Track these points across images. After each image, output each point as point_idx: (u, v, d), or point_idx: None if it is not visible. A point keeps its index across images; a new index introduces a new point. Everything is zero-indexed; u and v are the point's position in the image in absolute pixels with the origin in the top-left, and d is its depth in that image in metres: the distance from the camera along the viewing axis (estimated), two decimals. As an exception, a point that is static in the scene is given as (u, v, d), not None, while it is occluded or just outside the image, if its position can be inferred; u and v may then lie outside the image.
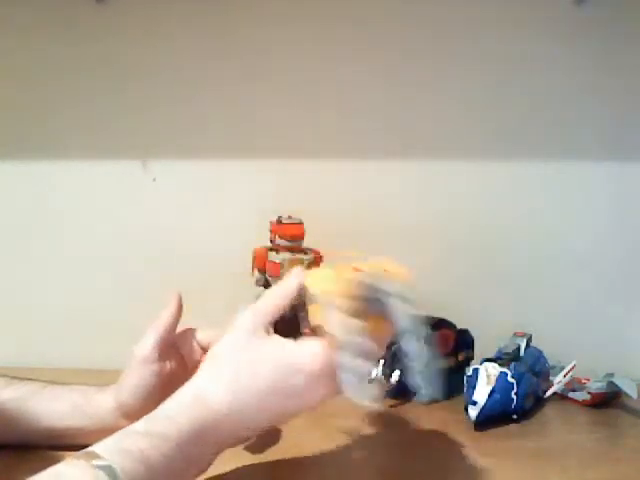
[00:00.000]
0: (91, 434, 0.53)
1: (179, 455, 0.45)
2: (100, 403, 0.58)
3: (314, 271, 0.54)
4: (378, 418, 0.73)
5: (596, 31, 0.87)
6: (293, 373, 0.48)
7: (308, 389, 0.49)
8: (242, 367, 0.49)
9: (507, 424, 0.69)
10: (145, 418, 0.47)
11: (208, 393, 0.48)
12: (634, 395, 0.72)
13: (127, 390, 0.57)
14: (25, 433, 0.58)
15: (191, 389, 0.49)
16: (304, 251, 0.76)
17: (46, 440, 0.57)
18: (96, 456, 0.41)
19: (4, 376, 0.60)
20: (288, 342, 0.50)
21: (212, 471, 0.50)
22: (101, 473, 0.40)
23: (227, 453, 0.50)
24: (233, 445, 0.51)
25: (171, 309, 0.59)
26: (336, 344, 0.48)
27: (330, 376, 0.48)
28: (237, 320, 0.51)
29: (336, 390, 0.48)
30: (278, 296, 0.52)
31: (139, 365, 0.57)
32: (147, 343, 0.57)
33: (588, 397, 0.75)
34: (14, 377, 0.61)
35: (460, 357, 0.79)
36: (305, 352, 0.49)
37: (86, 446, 0.44)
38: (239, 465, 0.57)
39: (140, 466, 0.42)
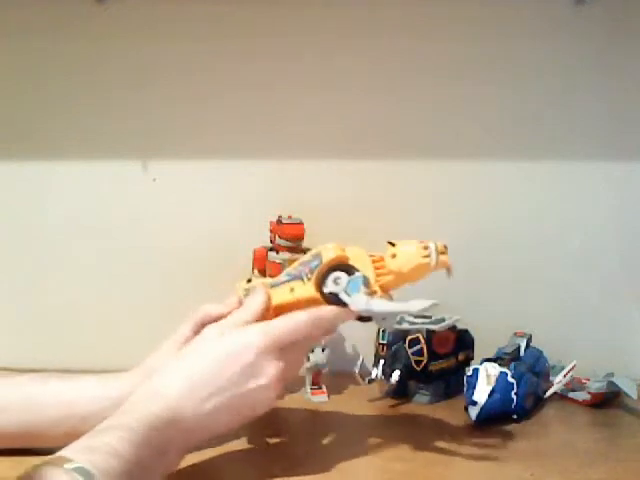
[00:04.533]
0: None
1: (145, 442, 0.46)
2: (120, 385, 0.59)
3: None
4: (378, 418, 0.73)
5: (596, 31, 0.87)
6: (234, 358, 0.53)
7: (252, 372, 0.52)
8: (190, 362, 0.54)
9: (507, 424, 0.69)
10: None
11: (162, 387, 0.51)
12: (634, 395, 0.72)
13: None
14: (45, 414, 0.57)
15: (146, 385, 0.52)
16: (304, 251, 0.76)
17: (65, 419, 0.56)
18: (67, 460, 0.41)
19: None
20: (228, 334, 0.55)
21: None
22: (76, 475, 0.40)
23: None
24: (204, 438, 0.53)
25: (221, 307, 0.62)
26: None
27: (272, 354, 0.53)
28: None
29: (283, 367, 0.54)
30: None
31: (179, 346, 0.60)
32: (186, 329, 0.61)
33: (588, 397, 0.75)
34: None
35: (460, 357, 0.79)
36: (241, 338, 0.54)
37: None
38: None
39: (112, 460, 0.43)
